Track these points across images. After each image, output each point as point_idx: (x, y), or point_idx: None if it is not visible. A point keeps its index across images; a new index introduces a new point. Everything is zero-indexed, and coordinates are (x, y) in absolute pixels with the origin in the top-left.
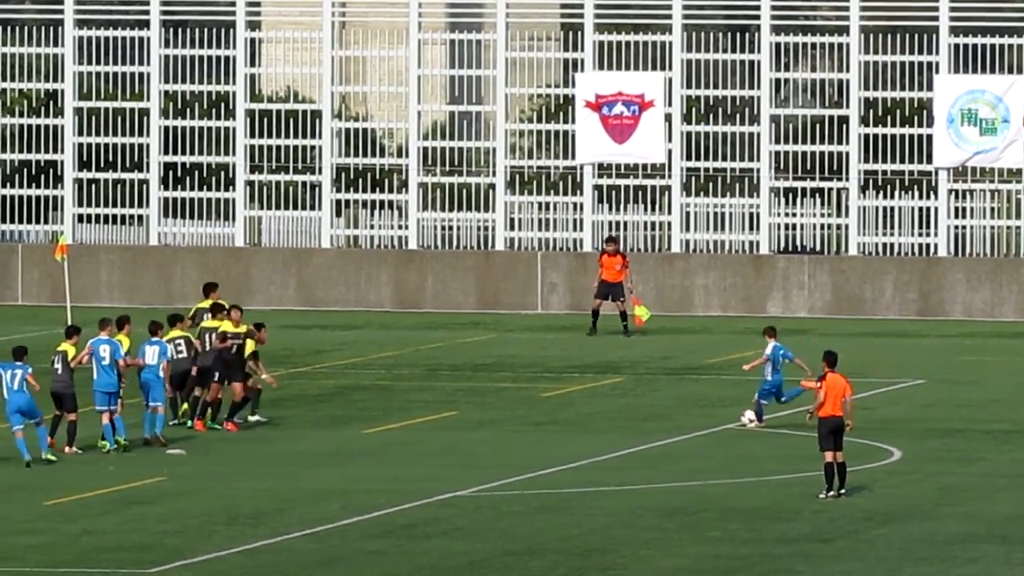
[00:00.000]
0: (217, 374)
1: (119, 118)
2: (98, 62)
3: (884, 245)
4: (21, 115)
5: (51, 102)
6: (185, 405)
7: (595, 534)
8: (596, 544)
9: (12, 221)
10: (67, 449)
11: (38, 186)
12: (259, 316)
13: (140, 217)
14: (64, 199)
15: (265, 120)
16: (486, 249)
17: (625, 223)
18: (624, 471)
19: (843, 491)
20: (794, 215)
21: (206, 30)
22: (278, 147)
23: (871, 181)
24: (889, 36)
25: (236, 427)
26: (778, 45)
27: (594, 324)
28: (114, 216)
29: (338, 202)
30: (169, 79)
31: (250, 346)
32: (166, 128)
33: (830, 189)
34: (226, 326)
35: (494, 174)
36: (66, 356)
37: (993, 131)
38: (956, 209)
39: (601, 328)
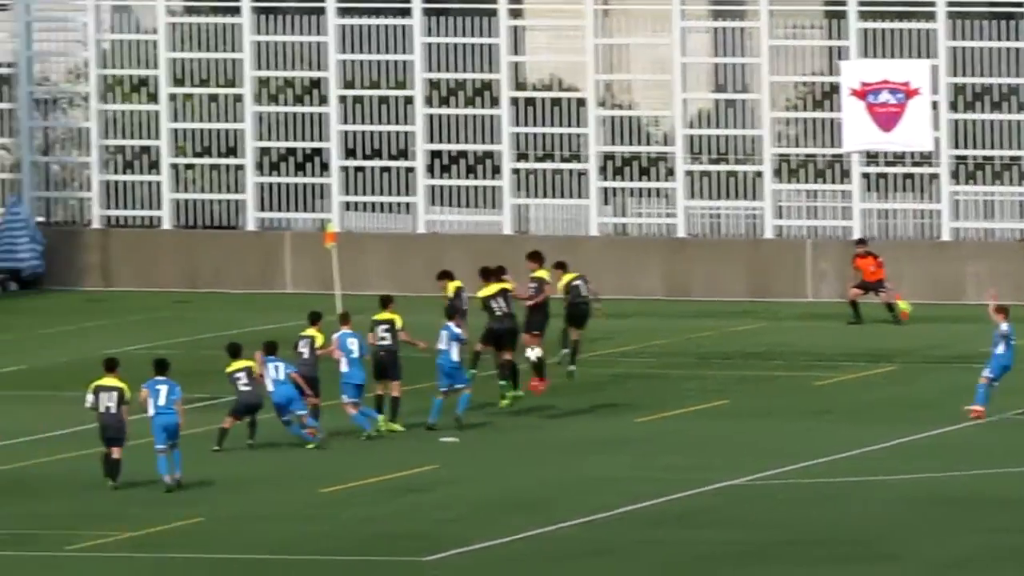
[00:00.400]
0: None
1: (383, 106)
2: (360, 50)
3: None
4: (285, 103)
5: (315, 90)
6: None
7: (870, 523)
8: (872, 534)
9: (279, 209)
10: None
11: (304, 174)
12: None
13: (407, 205)
14: (331, 187)
15: (529, 108)
16: (754, 237)
17: (894, 211)
18: (898, 460)
19: None
20: None
21: (468, 18)
22: (543, 135)
23: None
24: None
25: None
26: None
27: (856, 313)
28: (381, 204)
29: (605, 190)
30: (432, 67)
31: None
32: (430, 116)
33: None
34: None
35: (761, 162)
36: (313, 342)
37: None
38: None
39: (868, 317)
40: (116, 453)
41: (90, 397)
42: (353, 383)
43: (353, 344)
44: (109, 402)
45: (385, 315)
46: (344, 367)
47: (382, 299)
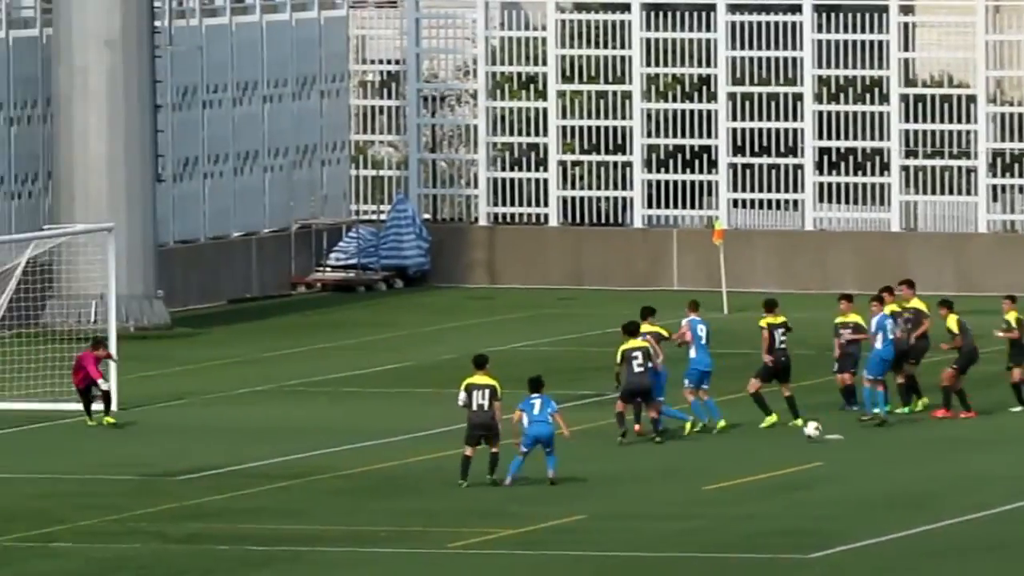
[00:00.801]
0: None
1: (772, 103)
2: (751, 47)
3: None
4: (674, 100)
5: (704, 87)
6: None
7: None
8: None
9: (667, 206)
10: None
11: (692, 171)
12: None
13: (795, 202)
14: (718, 184)
15: (919, 105)
16: None
17: None
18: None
19: None
20: None
21: (859, 14)
22: (932, 132)
23: None
24: None
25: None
26: None
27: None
28: (768, 201)
29: (994, 187)
30: (822, 64)
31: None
32: (819, 113)
33: None
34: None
35: None
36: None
37: None
38: None
39: None
40: (490, 447)
41: (463, 395)
42: (699, 369)
43: (702, 330)
44: (481, 399)
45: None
46: (692, 352)
47: (768, 303)
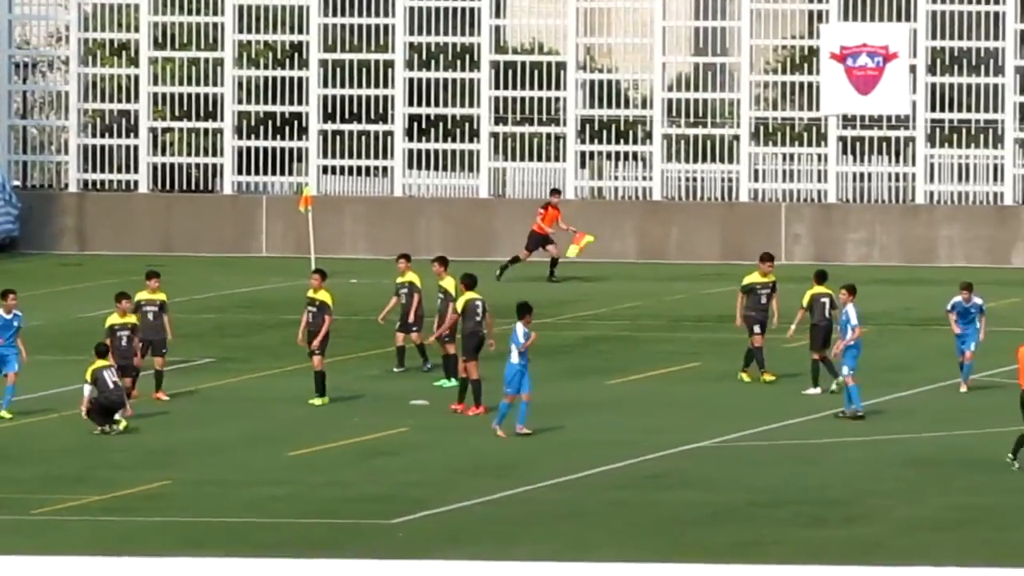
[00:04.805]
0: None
1: (363, 70)
2: (343, 14)
3: None
4: (266, 67)
5: (296, 54)
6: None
7: (838, 484)
8: (839, 494)
9: (257, 173)
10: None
11: (283, 138)
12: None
13: (384, 168)
14: (308, 151)
15: (510, 71)
16: (730, 200)
17: (869, 174)
18: (869, 422)
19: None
20: None
21: None
22: (522, 99)
23: None
24: None
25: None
26: None
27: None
28: (358, 168)
29: (582, 154)
30: (414, 30)
31: None
32: (410, 80)
33: None
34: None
35: (738, 126)
36: None
37: None
38: None
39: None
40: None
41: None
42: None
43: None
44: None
45: None
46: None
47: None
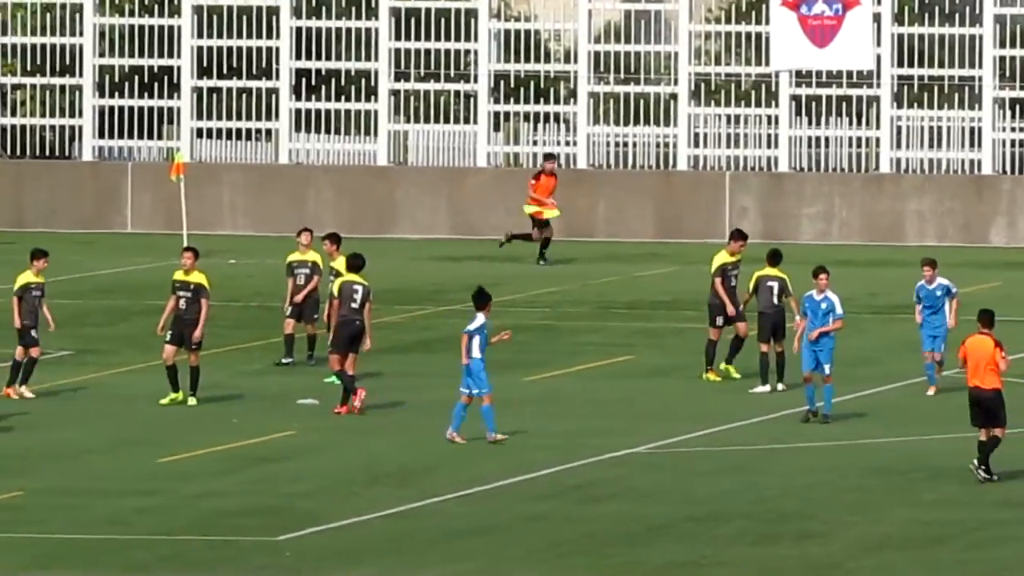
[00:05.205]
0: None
1: (244, 17)
2: None
3: None
4: (131, 14)
5: (165, 0)
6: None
7: (790, 496)
8: (792, 508)
9: (121, 136)
10: None
11: (151, 96)
12: (405, 245)
13: (268, 132)
14: (181, 111)
15: (413, 20)
16: (666, 169)
17: (827, 139)
18: (826, 425)
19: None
20: (1022, 130)
21: None
22: (427, 51)
23: None
24: None
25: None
26: None
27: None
28: (238, 131)
29: (496, 114)
30: None
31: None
32: (298, 29)
33: None
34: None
35: (676, 83)
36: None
37: None
38: None
39: (795, 258)
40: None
41: None
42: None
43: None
44: None
45: None
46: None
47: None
